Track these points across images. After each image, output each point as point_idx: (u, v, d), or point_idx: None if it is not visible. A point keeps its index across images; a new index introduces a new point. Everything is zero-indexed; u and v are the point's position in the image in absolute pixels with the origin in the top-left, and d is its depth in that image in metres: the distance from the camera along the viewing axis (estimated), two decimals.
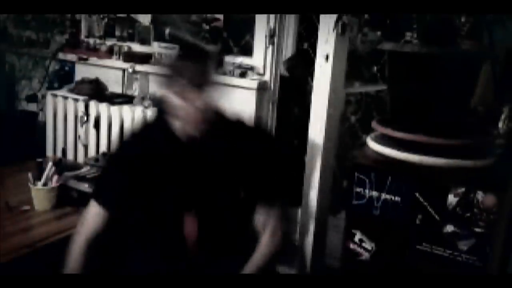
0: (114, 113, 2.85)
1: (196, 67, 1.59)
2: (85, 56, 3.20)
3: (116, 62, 3.08)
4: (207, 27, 2.85)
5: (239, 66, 2.70)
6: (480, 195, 1.60)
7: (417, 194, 1.70)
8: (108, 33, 3.24)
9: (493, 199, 1.59)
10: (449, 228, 1.66)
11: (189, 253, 1.66)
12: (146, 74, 2.95)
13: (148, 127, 1.86)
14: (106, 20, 3.23)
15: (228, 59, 2.77)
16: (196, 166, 1.66)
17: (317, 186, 2.18)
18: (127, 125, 2.79)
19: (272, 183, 1.75)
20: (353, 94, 2.64)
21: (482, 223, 1.61)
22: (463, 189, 1.63)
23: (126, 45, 3.13)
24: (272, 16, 2.60)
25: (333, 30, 2.03)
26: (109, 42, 3.19)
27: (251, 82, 2.61)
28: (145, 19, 3.08)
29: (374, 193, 1.78)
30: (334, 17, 2.00)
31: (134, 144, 1.75)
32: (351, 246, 1.85)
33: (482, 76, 2.09)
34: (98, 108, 2.90)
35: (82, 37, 3.33)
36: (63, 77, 3.37)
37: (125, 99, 2.96)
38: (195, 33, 2.88)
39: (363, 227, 1.83)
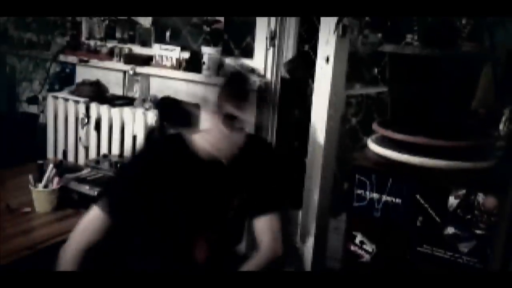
0: (115, 115, 2.85)
1: (244, 95, 1.64)
2: (86, 58, 3.20)
3: (117, 64, 3.08)
4: (208, 29, 2.85)
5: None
6: (480, 197, 1.60)
7: (418, 196, 1.70)
8: (109, 35, 3.24)
9: (493, 201, 1.58)
10: (450, 230, 1.66)
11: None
12: (147, 76, 2.95)
13: (167, 141, 1.79)
14: (107, 22, 3.23)
15: (229, 61, 2.77)
16: (216, 190, 1.66)
17: (318, 188, 2.18)
18: (128, 127, 2.80)
19: (275, 194, 1.76)
20: (354, 96, 2.63)
21: (483, 225, 1.60)
22: (463, 191, 1.63)
23: (127, 47, 3.13)
24: (272, 18, 2.60)
25: (334, 32, 2.03)
26: (110, 44, 3.19)
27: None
28: (145, 21, 3.09)
29: (375, 195, 1.78)
30: (335, 19, 2.00)
31: (152, 157, 1.68)
32: (352, 248, 1.85)
33: (482, 78, 2.09)
34: (99, 110, 2.90)
35: (83, 39, 3.33)
36: (64, 79, 3.37)
37: (126, 101, 2.95)
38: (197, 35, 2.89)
39: (364, 229, 1.83)
